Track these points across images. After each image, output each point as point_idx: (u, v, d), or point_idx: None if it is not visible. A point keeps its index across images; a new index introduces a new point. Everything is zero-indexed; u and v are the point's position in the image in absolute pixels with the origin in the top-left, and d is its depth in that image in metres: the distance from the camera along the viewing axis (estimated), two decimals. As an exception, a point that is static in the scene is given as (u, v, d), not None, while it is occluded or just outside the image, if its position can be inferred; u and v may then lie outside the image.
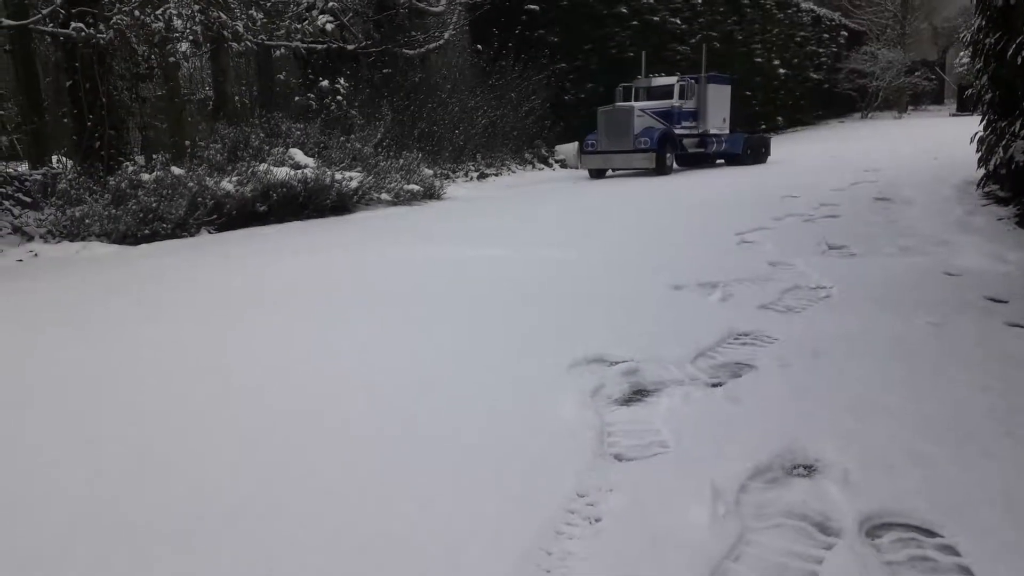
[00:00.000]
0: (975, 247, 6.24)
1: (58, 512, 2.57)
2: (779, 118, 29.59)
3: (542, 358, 3.88)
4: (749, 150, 17.91)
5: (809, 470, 2.69)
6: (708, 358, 3.88)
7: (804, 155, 19.05)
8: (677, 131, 16.70)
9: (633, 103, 16.54)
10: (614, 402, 3.36)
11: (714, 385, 3.50)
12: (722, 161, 18.35)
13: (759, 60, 27.44)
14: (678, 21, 22.22)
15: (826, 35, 34.35)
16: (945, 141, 17.64)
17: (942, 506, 2.40)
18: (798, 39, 31.22)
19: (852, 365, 3.66)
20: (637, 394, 3.45)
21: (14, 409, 3.58)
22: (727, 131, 18.17)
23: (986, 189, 8.84)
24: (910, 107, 36.84)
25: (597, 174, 16.58)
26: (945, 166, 12.92)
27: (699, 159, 17.79)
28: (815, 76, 33.00)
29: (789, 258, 6.26)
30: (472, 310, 5.04)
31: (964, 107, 33.52)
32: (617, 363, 3.78)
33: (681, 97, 16.90)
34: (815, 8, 33.55)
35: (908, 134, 22.71)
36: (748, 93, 26.89)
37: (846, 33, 36.24)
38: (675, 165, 17.34)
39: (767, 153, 18.45)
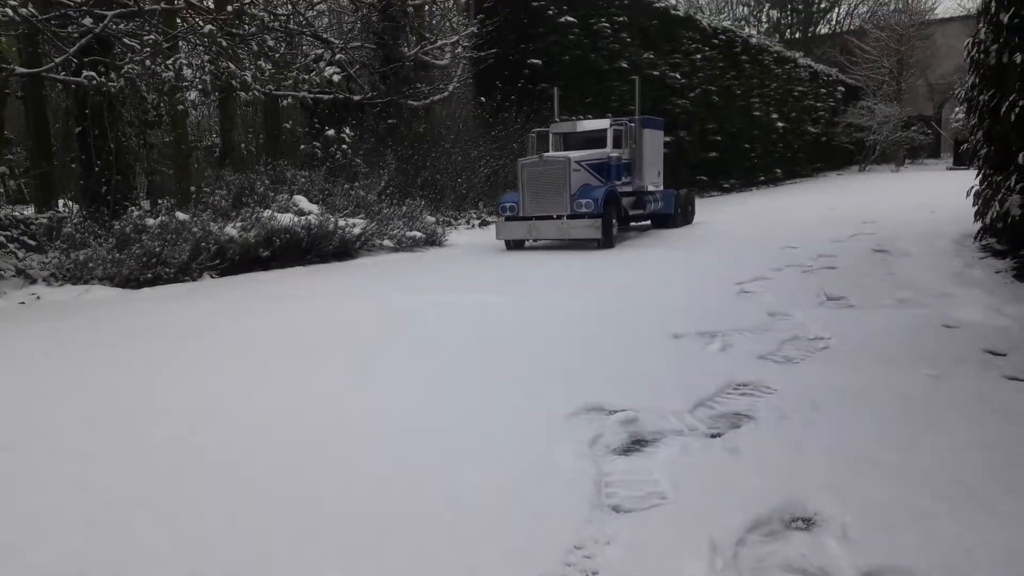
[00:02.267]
0: (973, 300, 6.27)
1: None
2: (777, 170, 29.93)
3: (541, 406, 3.88)
4: (679, 209, 14.96)
5: (808, 524, 2.68)
6: (707, 408, 3.88)
7: (801, 207, 19.21)
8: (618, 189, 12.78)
9: (568, 153, 12.34)
10: (612, 451, 3.35)
11: (713, 436, 3.50)
12: (647, 223, 15.04)
13: (757, 114, 27.86)
14: (677, 76, 22.61)
15: (823, 90, 34.95)
16: (942, 195, 17.80)
17: (942, 563, 2.38)
18: (796, 93, 31.75)
19: (851, 418, 3.66)
20: (636, 444, 3.44)
21: None
22: (661, 187, 14.77)
23: (983, 242, 8.91)
24: (907, 160, 37.25)
25: (515, 244, 12.36)
26: (942, 219, 13.03)
27: (628, 222, 13.69)
28: (813, 130, 33.48)
29: (788, 309, 6.28)
30: (473, 356, 5.05)
31: (960, 161, 33.91)
32: (616, 412, 3.78)
33: (616, 145, 12.98)
34: (812, 64, 34.18)
35: (905, 187, 22.93)
36: (747, 146, 27.24)
37: (843, 88, 36.87)
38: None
39: (693, 212, 15.82)
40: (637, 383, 4.27)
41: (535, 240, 12.13)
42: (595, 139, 13.09)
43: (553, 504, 2.83)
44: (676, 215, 14.80)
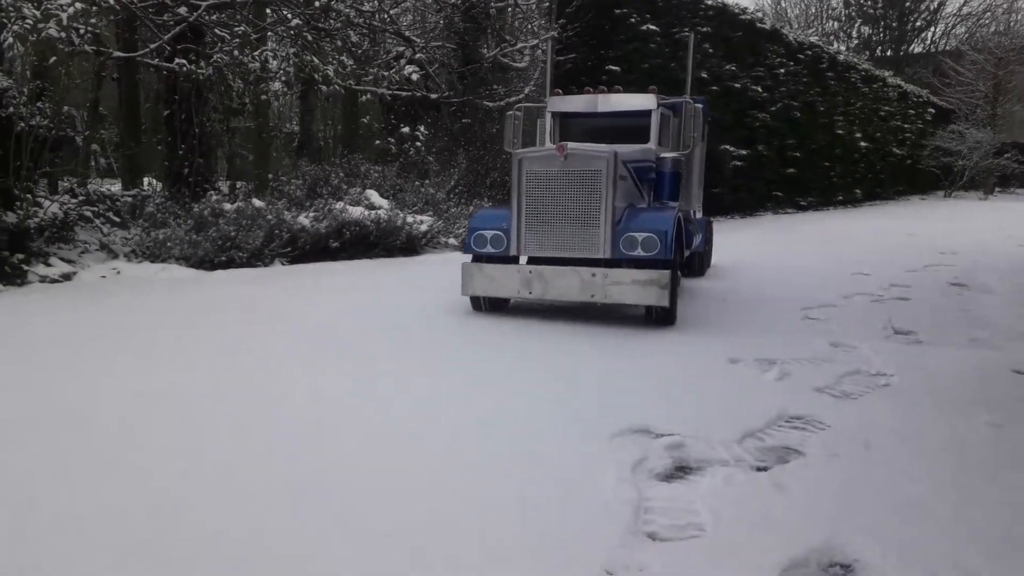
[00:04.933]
0: (1051, 346, 6.01)
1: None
2: (857, 191, 29.07)
3: (588, 424, 3.89)
4: (707, 246, 10.40)
5: (846, 570, 2.64)
6: (756, 439, 3.83)
7: (878, 231, 18.61)
8: None
9: (611, 147, 6.75)
10: (655, 477, 3.35)
11: (759, 469, 3.45)
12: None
13: (840, 131, 27.11)
14: (759, 89, 22.19)
15: (912, 111, 33.77)
16: (1031, 228, 17.06)
17: (983, 624, 2.32)
18: (882, 113, 30.78)
19: (903, 462, 3.56)
20: (679, 470, 3.43)
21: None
22: (700, 211, 10.23)
23: (1069, 284, 8.52)
24: (997, 189, 35.77)
25: (489, 304, 7.06)
26: (1029, 255, 12.50)
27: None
28: (898, 151, 32.40)
29: (852, 340, 6.13)
30: (523, 366, 5.09)
31: (1055, 192, 32.41)
32: (663, 436, 3.76)
33: (661, 140, 8.19)
34: (902, 84, 33.08)
35: (992, 216, 22.02)
36: (827, 164, 26.56)
37: (933, 110, 35.57)
38: None
39: (711, 253, 10.81)
40: (687, 408, 4.24)
41: (531, 295, 6.58)
42: (625, 129, 8.05)
43: (590, 527, 2.85)
44: (705, 255, 10.11)
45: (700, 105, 8.50)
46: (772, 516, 2.99)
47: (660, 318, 6.43)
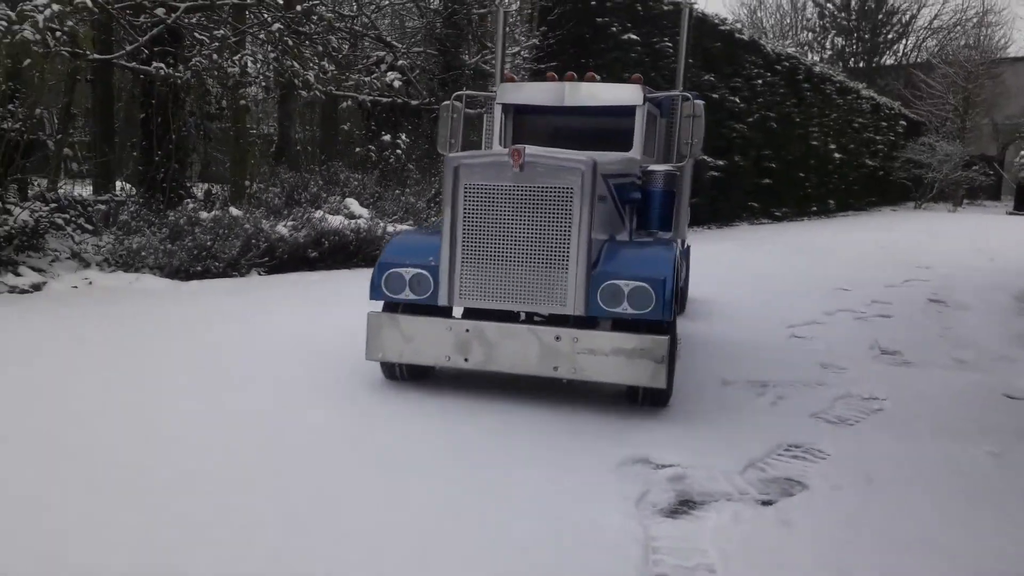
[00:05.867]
0: (1036, 368, 6.05)
1: None
2: (831, 201, 29.40)
3: (587, 456, 3.81)
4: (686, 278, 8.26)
5: (863, 617, 2.58)
6: (758, 470, 3.78)
7: (854, 244, 18.79)
8: None
9: (587, 155, 4.68)
10: (659, 512, 3.27)
11: (764, 503, 3.39)
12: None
13: (815, 143, 27.40)
14: (737, 100, 22.33)
15: (884, 123, 34.25)
16: (1001, 241, 17.34)
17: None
18: (856, 125, 31.16)
19: (907, 494, 3.53)
20: (684, 505, 3.35)
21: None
22: (686, 237, 8.03)
23: (1047, 302, 8.62)
24: (965, 201, 36.41)
25: (409, 373, 5.11)
26: (1002, 269, 12.67)
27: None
28: (870, 163, 32.83)
29: (841, 360, 6.12)
30: (517, 391, 5.00)
31: (1022, 205, 33.05)
32: (664, 467, 3.69)
33: (646, 149, 6.38)
34: (875, 96, 33.53)
35: (962, 230, 22.35)
36: (802, 175, 26.81)
37: (904, 122, 36.11)
38: None
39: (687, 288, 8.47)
40: (685, 436, 4.18)
41: (467, 364, 4.72)
42: (602, 132, 6.26)
43: (599, 567, 2.76)
44: (684, 289, 8.01)
45: (702, 102, 6.43)
46: (781, 555, 2.93)
47: (651, 399, 4.60)
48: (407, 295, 4.72)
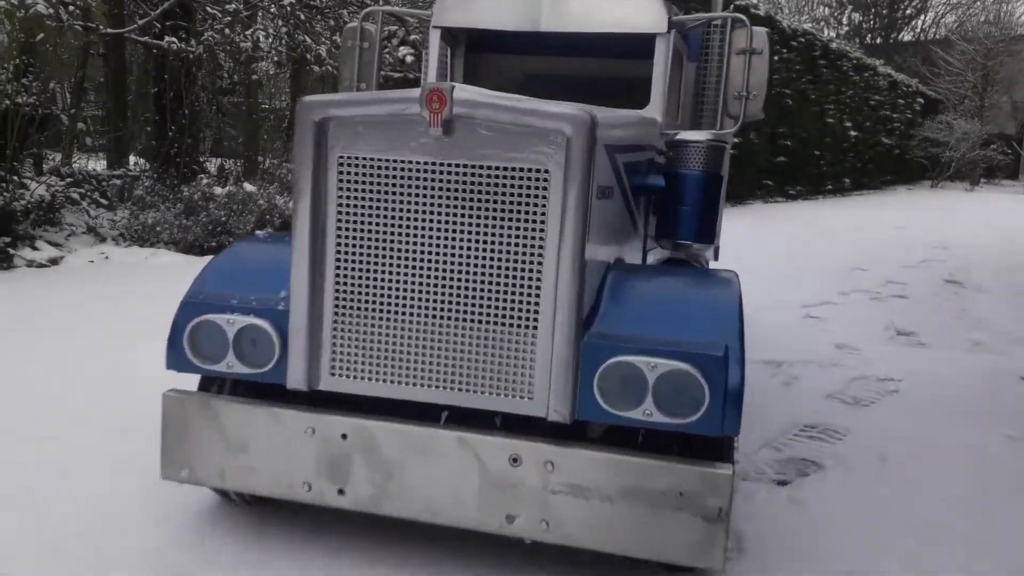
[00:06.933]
0: (1054, 350, 6.01)
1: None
2: (846, 180, 29.13)
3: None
4: None
5: (876, 600, 2.58)
6: (773, 450, 3.77)
7: (870, 224, 18.62)
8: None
9: (581, 108, 2.33)
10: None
11: (780, 483, 3.39)
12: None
13: (831, 120, 27.09)
14: (752, 76, 22.15)
15: (901, 101, 33.81)
16: (1020, 220, 17.16)
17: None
18: (872, 103, 30.77)
19: (921, 477, 3.52)
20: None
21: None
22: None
23: (1065, 284, 8.55)
24: (983, 180, 35.97)
25: (249, 500, 2.86)
26: (1020, 250, 12.55)
27: None
28: (886, 141, 32.46)
29: (856, 341, 6.09)
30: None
31: (1040, 185, 32.67)
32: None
33: (668, 106, 3.84)
34: (892, 73, 33.07)
35: (980, 209, 22.12)
36: (817, 153, 26.56)
37: (922, 100, 35.64)
38: None
39: None
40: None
41: (343, 500, 2.52)
42: (600, 79, 4.28)
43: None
44: None
45: (764, 29, 3.88)
46: (796, 538, 2.93)
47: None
48: (230, 364, 2.58)
